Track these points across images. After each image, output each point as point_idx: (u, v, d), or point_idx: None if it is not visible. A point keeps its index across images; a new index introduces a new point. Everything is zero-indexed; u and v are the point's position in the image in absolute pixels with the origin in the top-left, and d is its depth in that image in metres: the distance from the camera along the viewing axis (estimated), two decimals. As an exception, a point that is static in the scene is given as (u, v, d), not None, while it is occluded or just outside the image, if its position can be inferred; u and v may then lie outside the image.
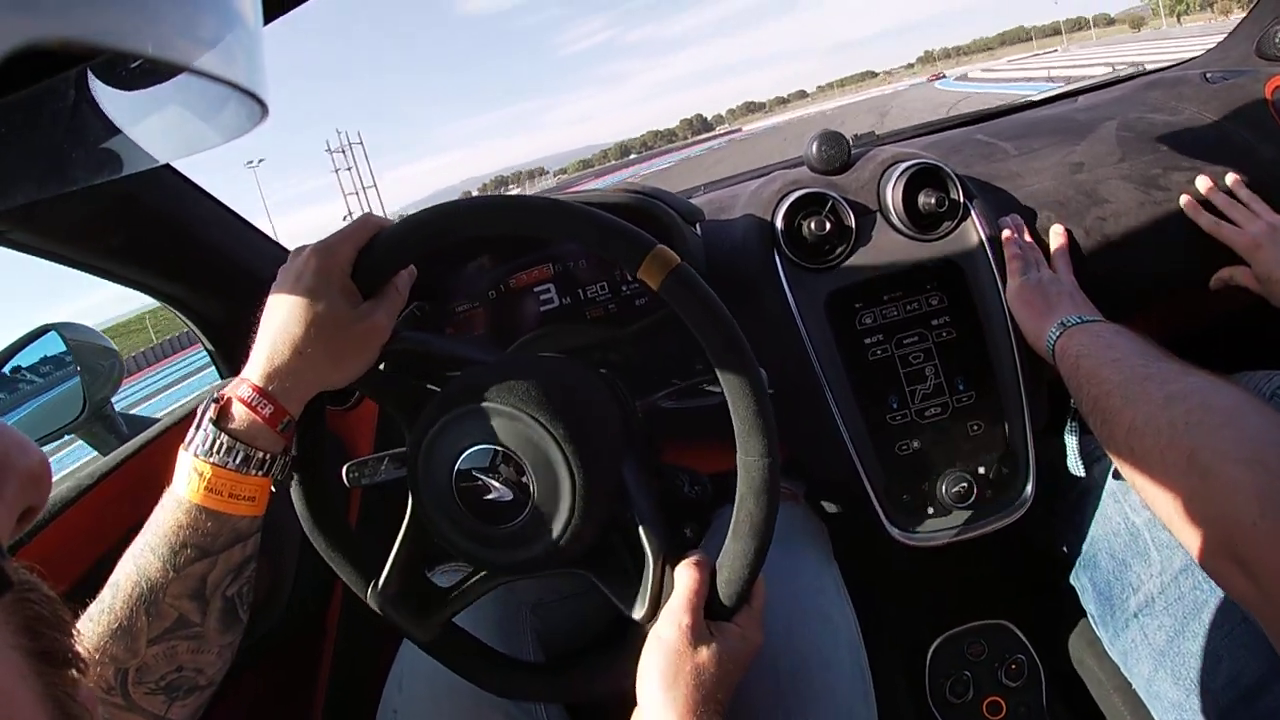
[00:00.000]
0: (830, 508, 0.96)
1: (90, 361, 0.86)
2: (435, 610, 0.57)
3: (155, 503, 0.74)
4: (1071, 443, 0.74)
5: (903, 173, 0.79)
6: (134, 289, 0.80)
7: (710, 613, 0.52)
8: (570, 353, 0.81)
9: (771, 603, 0.58)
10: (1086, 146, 0.92)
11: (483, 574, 0.58)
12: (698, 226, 0.85)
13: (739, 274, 0.81)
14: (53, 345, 0.86)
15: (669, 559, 0.54)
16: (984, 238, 0.79)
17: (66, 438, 0.87)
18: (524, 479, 0.50)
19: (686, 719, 0.47)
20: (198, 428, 0.50)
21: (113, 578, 0.48)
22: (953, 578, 0.88)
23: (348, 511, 0.90)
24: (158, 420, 0.92)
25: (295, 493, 0.57)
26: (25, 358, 0.86)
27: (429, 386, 0.59)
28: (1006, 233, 0.80)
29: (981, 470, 0.76)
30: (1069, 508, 0.77)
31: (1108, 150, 0.91)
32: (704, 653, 0.49)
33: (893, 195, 0.79)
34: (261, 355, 0.51)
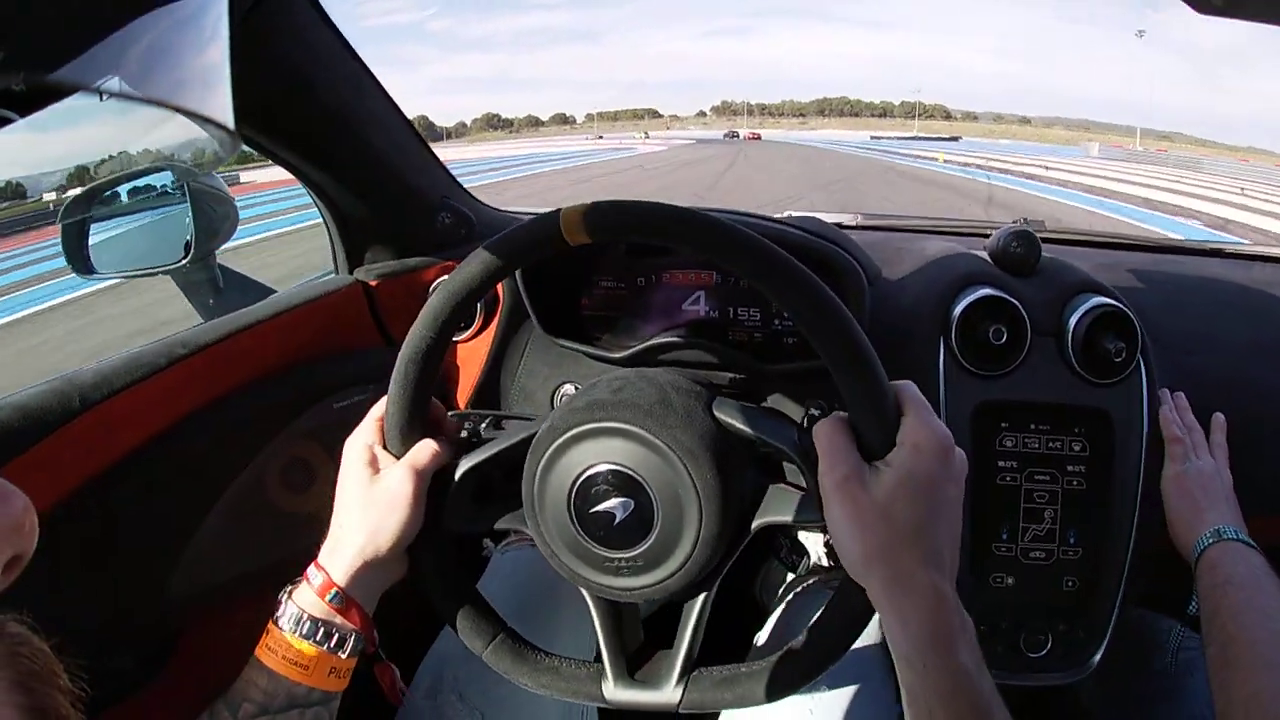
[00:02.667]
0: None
1: (205, 205, 0.80)
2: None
3: (228, 389, 0.70)
4: (1173, 645, 0.73)
5: (1092, 309, 0.75)
6: (283, 167, 0.73)
7: (867, 454, 0.46)
8: (703, 368, 0.78)
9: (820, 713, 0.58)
10: (1268, 331, 0.88)
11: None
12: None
13: (897, 349, 0.77)
14: (169, 180, 0.79)
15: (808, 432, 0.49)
16: (1146, 402, 0.76)
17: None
18: (645, 495, 0.49)
19: (904, 563, 0.43)
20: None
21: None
22: None
23: None
24: (258, 283, 0.87)
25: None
26: (139, 182, 0.80)
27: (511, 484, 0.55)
28: (1170, 409, 0.76)
29: (1062, 627, 0.75)
30: (1149, 694, 0.76)
31: None
32: (881, 488, 0.44)
33: (1075, 328, 0.75)
34: (328, 533, 0.55)
